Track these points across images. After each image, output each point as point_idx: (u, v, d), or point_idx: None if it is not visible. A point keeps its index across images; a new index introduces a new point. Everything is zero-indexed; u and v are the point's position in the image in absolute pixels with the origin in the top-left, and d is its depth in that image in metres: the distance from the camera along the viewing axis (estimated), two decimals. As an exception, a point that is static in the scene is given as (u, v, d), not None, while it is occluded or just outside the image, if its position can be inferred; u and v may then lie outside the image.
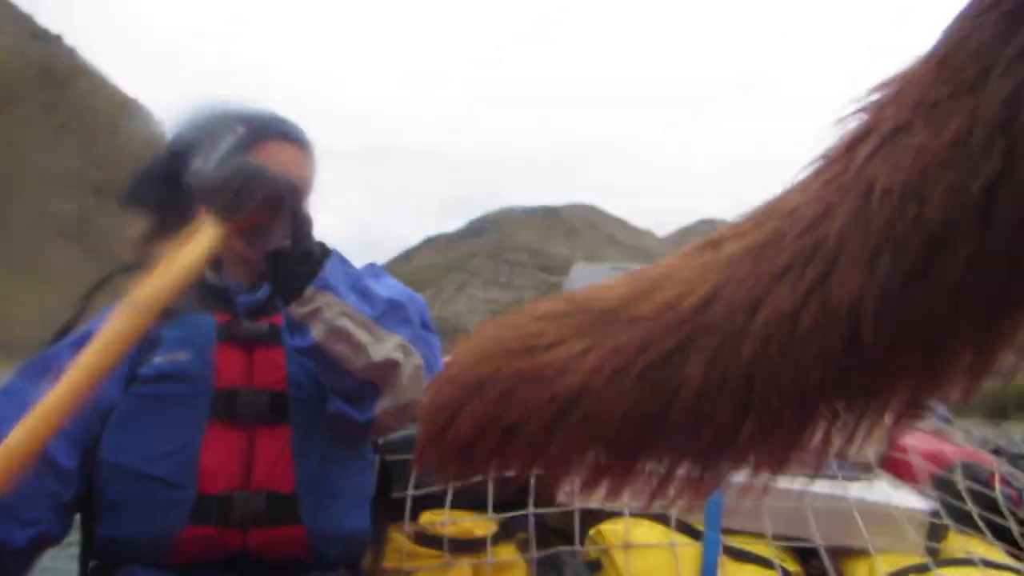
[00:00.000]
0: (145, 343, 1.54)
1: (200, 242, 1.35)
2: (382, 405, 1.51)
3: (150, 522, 1.47)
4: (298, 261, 1.41)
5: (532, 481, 1.88)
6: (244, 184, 1.37)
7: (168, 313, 1.57)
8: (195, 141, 1.59)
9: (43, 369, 1.46)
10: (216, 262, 1.65)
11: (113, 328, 1.26)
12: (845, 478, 1.95)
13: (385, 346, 1.46)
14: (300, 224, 1.43)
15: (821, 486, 1.93)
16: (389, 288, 1.57)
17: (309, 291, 1.40)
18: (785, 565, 1.85)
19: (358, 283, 1.47)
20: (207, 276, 1.64)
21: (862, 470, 2.03)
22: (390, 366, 1.47)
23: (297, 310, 1.41)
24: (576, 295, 0.74)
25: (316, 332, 1.42)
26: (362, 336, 1.43)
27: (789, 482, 1.93)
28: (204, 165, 1.55)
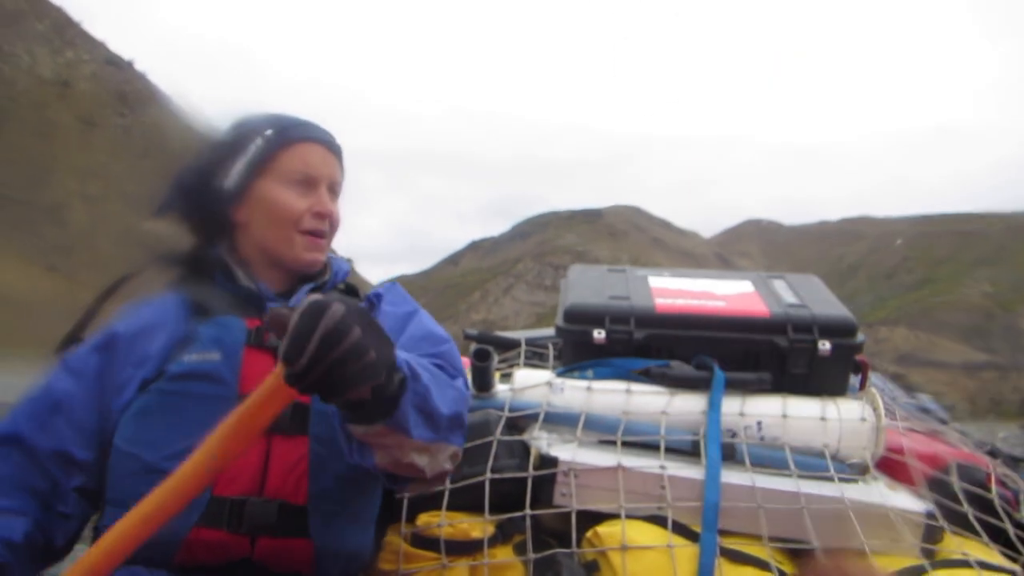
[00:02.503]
0: (180, 341, 1.56)
1: (271, 402, 1.22)
2: (415, 487, 1.60)
3: None
4: (374, 408, 1.32)
5: (529, 483, 1.85)
6: (337, 370, 1.14)
7: (204, 312, 1.58)
8: (225, 147, 1.66)
9: (72, 369, 1.56)
10: (249, 267, 1.66)
11: (182, 472, 1.24)
12: (841, 479, 1.90)
13: (438, 459, 1.49)
14: (386, 385, 1.29)
15: (817, 487, 1.88)
16: (438, 339, 1.65)
17: (379, 427, 1.35)
18: (781, 567, 1.80)
19: (425, 404, 1.40)
20: (241, 280, 1.64)
21: (858, 471, 1.96)
22: (439, 475, 1.53)
23: (359, 430, 1.37)
24: None
25: (380, 459, 1.43)
26: (421, 461, 1.46)
27: (785, 484, 1.88)
28: (231, 170, 1.63)
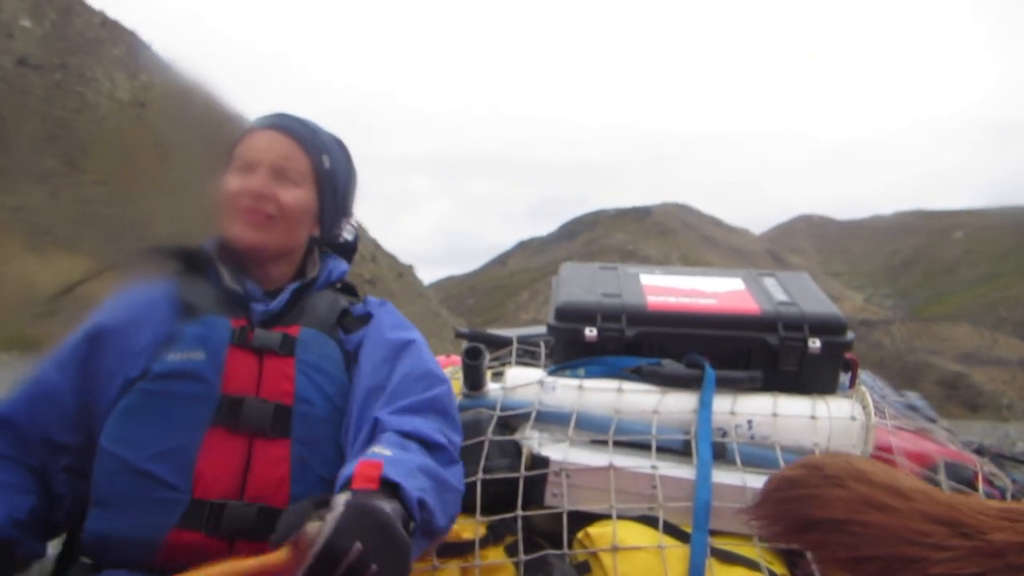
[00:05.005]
0: (164, 340, 1.53)
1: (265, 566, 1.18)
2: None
3: (139, 520, 1.43)
4: None
5: (521, 484, 1.82)
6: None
7: (191, 310, 1.55)
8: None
9: (59, 359, 1.54)
10: (237, 267, 1.63)
11: None
12: (832, 478, 1.82)
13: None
14: None
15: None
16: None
17: None
18: (772, 567, 1.74)
19: (429, 526, 1.33)
20: (227, 279, 1.61)
21: (849, 470, 1.88)
22: None
23: None
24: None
25: None
26: None
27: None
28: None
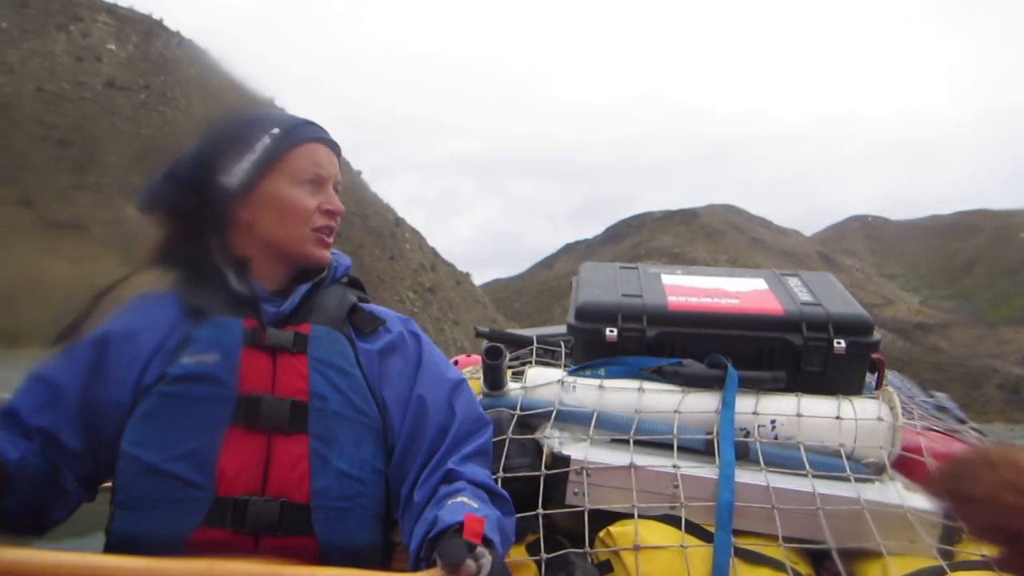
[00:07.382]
0: (177, 343, 1.51)
1: None
2: None
3: (165, 520, 1.42)
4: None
5: (541, 482, 1.77)
6: None
7: (200, 314, 1.53)
8: (226, 144, 1.59)
9: (68, 359, 1.52)
10: (244, 268, 1.61)
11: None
12: (857, 480, 1.75)
13: None
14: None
15: (833, 487, 1.74)
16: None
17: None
18: (797, 567, 1.67)
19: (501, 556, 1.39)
20: (234, 282, 1.59)
21: (875, 471, 1.81)
22: None
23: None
24: None
25: None
26: None
27: (801, 483, 1.73)
28: (235, 167, 1.57)
